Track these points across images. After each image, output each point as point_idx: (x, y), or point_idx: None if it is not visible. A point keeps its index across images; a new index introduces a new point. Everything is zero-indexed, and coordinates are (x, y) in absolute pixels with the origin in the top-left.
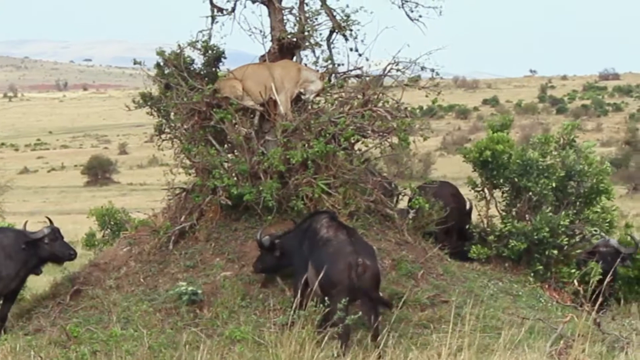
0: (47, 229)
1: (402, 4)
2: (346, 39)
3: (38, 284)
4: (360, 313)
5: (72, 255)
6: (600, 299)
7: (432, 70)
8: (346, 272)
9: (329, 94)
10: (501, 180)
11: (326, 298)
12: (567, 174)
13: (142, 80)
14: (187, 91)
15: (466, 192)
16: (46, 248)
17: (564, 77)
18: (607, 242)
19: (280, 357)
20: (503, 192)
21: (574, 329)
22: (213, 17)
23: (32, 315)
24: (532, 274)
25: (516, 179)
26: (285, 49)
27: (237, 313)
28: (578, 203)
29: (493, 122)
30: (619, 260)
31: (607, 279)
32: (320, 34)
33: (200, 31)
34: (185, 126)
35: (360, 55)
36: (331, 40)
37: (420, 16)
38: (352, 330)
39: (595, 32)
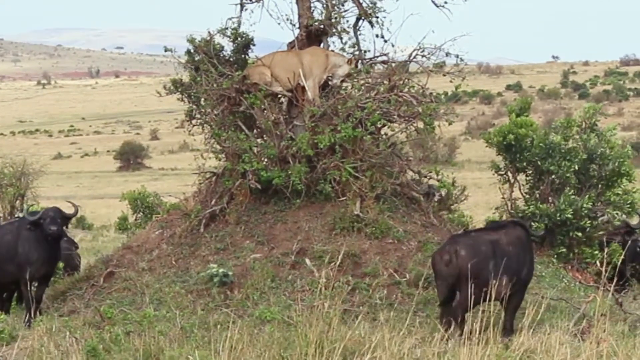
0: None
1: None
2: (372, 26)
3: None
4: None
5: (53, 232)
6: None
7: (457, 56)
8: (436, 258)
9: (355, 80)
10: (524, 164)
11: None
12: (588, 157)
13: (173, 67)
14: (216, 77)
15: (490, 175)
16: (45, 228)
17: (586, 63)
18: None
19: (309, 337)
20: (526, 175)
21: (596, 309)
22: (242, 5)
23: (66, 297)
24: (555, 256)
25: (539, 162)
26: (313, 36)
27: (267, 294)
28: (600, 186)
29: (513, 106)
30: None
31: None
32: (347, 21)
33: (230, 18)
34: (215, 112)
35: (386, 41)
36: (358, 27)
37: (445, 2)
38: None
39: (616, 19)
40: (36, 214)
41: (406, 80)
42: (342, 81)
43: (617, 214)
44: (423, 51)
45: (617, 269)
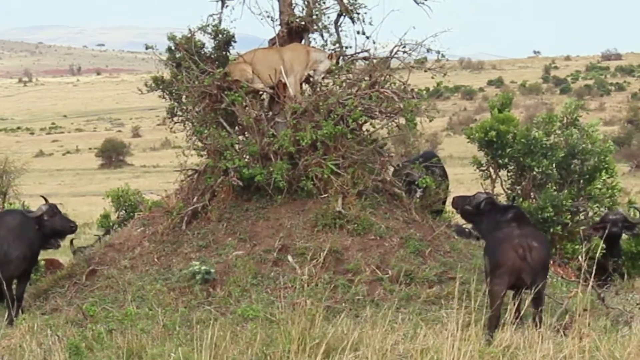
0: (44, 206)
1: None
2: (353, 22)
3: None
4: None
5: (72, 228)
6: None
7: (438, 52)
8: (511, 252)
9: (337, 76)
10: (506, 160)
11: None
12: (570, 153)
13: (154, 64)
14: (198, 75)
15: (471, 171)
16: (47, 225)
17: (567, 58)
18: (616, 212)
19: (291, 334)
20: (508, 171)
21: (578, 304)
22: (223, 1)
23: (49, 295)
24: None
25: (521, 158)
26: (294, 32)
27: (249, 291)
28: (581, 181)
29: (494, 101)
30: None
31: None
32: (328, 18)
33: (211, 15)
34: (196, 109)
35: (367, 38)
36: (339, 24)
37: None
38: (359, 306)
39: (597, 13)
40: (32, 212)
41: (387, 76)
42: (324, 77)
43: (597, 207)
44: (404, 47)
45: (598, 264)
